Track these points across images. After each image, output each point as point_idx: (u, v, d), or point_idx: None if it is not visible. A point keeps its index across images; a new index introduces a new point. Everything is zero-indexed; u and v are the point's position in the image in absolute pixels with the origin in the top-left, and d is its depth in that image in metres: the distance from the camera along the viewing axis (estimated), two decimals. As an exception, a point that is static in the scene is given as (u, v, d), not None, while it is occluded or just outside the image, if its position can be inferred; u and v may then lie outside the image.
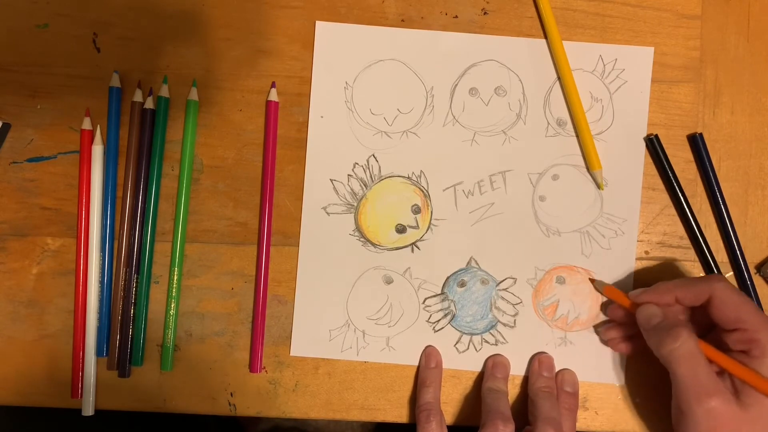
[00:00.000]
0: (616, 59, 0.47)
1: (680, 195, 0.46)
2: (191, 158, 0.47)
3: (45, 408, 0.47)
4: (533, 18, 0.47)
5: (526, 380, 0.46)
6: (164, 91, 0.46)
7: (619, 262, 0.46)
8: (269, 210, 0.47)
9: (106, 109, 0.47)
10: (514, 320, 0.46)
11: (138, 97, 0.47)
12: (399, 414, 0.47)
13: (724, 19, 0.47)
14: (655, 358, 0.40)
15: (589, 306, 0.46)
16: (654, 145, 0.46)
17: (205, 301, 0.47)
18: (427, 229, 0.47)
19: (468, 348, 0.46)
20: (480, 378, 0.46)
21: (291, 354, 0.46)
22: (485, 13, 0.47)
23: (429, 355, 0.46)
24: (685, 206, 0.46)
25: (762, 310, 0.45)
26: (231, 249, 0.47)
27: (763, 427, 0.37)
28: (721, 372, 0.39)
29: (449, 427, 0.44)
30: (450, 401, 0.47)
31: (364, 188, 0.47)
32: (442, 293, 0.47)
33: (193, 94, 0.47)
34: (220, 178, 0.47)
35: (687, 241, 0.46)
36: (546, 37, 0.47)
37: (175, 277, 0.46)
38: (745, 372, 0.38)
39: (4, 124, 0.47)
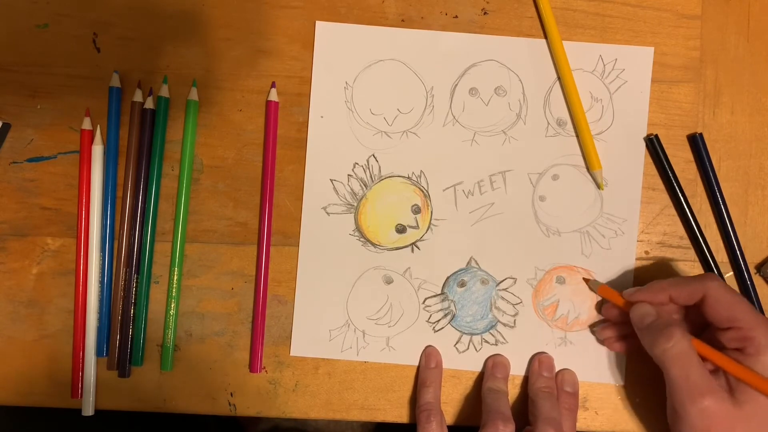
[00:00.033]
0: (616, 59, 0.47)
1: (680, 195, 0.45)
2: (191, 158, 0.47)
3: (45, 408, 0.47)
4: (533, 18, 0.47)
5: (526, 380, 0.46)
6: (164, 91, 0.46)
7: (619, 262, 0.46)
8: (269, 210, 0.47)
9: (106, 109, 0.47)
10: (514, 320, 0.46)
11: (138, 97, 0.47)
12: (399, 414, 0.47)
13: (724, 19, 0.47)
14: (654, 357, 0.40)
15: (589, 306, 0.46)
16: (654, 145, 0.46)
17: (205, 301, 0.47)
18: (427, 229, 0.47)
19: (468, 348, 0.46)
20: (480, 378, 0.46)
21: (291, 354, 0.46)
22: (485, 13, 0.47)
23: (429, 355, 0.46)
24: (685, 206, 0.46)
25: (762, 310, 0.45)
26: (231, 249, 0.47)
27: (758, 423, 0.37)
28: (716, 370, 0.39)
29: (449, 427, 0.44)
30: (450, 401, 0.47)
31: (364, 188, 0.47)
32: (442, 293, 0.47)
33: (193, 94, 0.47)
34: (220, 178, 0.47)
35: (687, 241, 0.46)
36: (546, 37, 0.47)
37: (175, 277, 0.46)
38: (740, 369, 0.38)
39: (4, 124, 0.47)
